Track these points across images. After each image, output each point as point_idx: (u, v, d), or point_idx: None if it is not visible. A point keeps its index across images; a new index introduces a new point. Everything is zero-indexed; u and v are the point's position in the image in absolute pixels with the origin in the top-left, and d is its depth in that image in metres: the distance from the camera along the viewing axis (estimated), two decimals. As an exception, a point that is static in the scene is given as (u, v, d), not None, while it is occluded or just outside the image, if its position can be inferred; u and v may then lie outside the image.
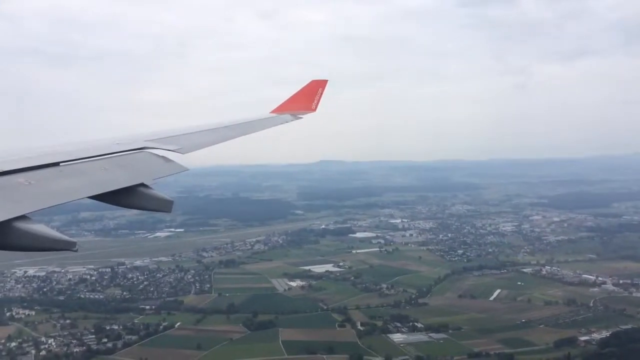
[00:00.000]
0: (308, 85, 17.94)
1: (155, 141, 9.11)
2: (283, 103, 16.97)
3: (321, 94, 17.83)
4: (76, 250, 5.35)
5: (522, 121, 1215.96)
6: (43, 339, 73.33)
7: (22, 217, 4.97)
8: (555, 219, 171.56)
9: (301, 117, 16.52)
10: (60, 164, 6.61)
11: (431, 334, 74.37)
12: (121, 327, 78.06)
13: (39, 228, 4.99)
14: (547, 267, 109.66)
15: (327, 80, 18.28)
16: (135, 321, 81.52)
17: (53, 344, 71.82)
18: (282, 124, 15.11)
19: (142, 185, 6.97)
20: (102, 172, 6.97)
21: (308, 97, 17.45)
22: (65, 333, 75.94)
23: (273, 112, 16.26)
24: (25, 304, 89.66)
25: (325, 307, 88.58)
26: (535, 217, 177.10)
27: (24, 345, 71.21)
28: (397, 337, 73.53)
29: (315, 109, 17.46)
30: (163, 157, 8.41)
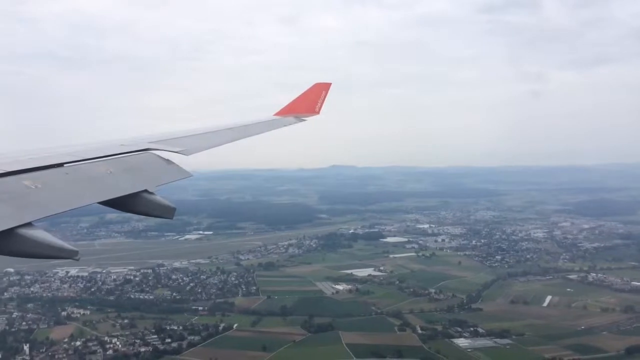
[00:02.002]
0: (312, 88, 17.86)
1: (159, 143, 9.09)
2: (287, 106, 16.92)
3: (325, 97, 17.74)
4: (78, 259, 5.25)
5: (536, 128, 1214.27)
6: (106, 338, 73.14)
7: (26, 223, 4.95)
8: (585, 226, 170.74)
9: (305, 120, 16.48)
10: (65, 165, 6.62)
11: (495, 340, 73.80)
12: (181, 328, 77.81)
13: (41, 235, 4.93)
14: (593, 274, 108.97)
15: (330, 84, 18.18)
16: (193, 322, 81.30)
17: (117, 343, 71.59)
18: (285, 126, 15.09)
19: (146, 190, 6.93)
20: (107, 176, 6.92)
21: (312, 100, 17.39)
22: (127, 333, 75.75)
23: (277, 114, 16.22)
24: (77, 304, 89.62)
25: (379, 311, 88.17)
26: (564, 224, 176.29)
27: (89, 344, 70.99)
28: (461, 342, 72.97)
29: (318, 112, 17.36)
30: (167, 160, 8.34)
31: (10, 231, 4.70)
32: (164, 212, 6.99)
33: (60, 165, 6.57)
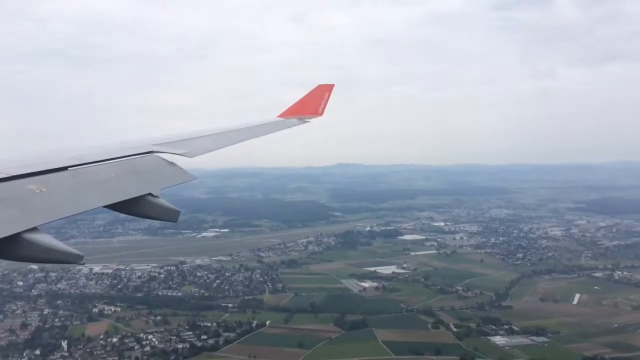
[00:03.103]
0: (315, 89, 17.90)
1: (163, 145, 9.10)
2: (290, 107, 16.90)
3: (328, 98, 17.72)
4: (83, 264, 5.22)
5: (543, 126, 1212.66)
6: (142, 335, 73.10)
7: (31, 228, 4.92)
8: (602, 224, 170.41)
9: (308, 121, 16.50)
10: (69, 168, 6.65)
11: (532, 337, 73.59)
12: (215, 325, 77.78)
13: (47, 240, 4.88)
14: (618, 272, 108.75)
15: (333, 85, 18.21)
16: (225, 318, 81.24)
17: (154, 339, 71.54)
18: (288, 128, 15.12)
19: (150, 193, 6.91)
20: (111, 180, 6.93)
21: (315, 101, 17.37)
22: (162, 329, 75.69)
23: (280, 116, 16.26)
24: (106, 301, 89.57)
25: (409, 308, 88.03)
26: (580, 222, 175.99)
27: (126, 341, 70.96)
28: (498, 340, 72.82)
29: (321, 114, 17.32)
30: (171, 162, 8.35)
31: (16, 236, 4.66)
32: (168, 215, 6.91)
33: (65, 168, 6.56)
